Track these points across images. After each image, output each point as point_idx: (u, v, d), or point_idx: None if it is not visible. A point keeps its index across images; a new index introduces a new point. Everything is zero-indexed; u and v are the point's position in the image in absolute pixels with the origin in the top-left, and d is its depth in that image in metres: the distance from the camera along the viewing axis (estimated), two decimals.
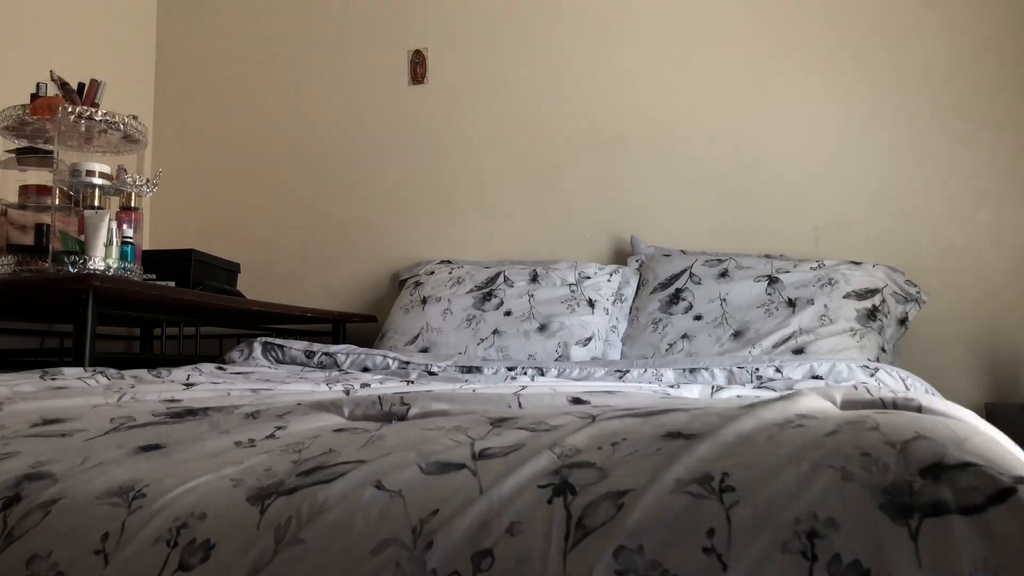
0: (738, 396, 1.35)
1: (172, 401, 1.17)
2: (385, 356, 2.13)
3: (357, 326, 3.09)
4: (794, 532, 0.56)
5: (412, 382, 1.51)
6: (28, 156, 2.36)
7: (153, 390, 1.30)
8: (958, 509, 0.56)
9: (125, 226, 2.29)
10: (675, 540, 0.58)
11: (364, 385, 1.35)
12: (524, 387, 1.13)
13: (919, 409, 0.76)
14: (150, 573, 0.65)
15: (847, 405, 0.81)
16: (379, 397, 0.98)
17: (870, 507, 0.57)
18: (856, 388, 0.84)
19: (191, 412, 1.00)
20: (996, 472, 0.59)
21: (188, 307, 2.47)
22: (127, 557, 0.66)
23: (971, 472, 0.59)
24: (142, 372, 1.64)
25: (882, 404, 0.79)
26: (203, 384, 1.42)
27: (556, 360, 2.39)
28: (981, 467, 0.60)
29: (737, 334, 2.34)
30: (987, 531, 0.55)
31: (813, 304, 2.32)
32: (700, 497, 0.61)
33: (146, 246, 3.26)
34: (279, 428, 0.88)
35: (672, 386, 1.55)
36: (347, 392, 1.14)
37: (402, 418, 0.93)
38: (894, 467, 0.61)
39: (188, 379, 1.59)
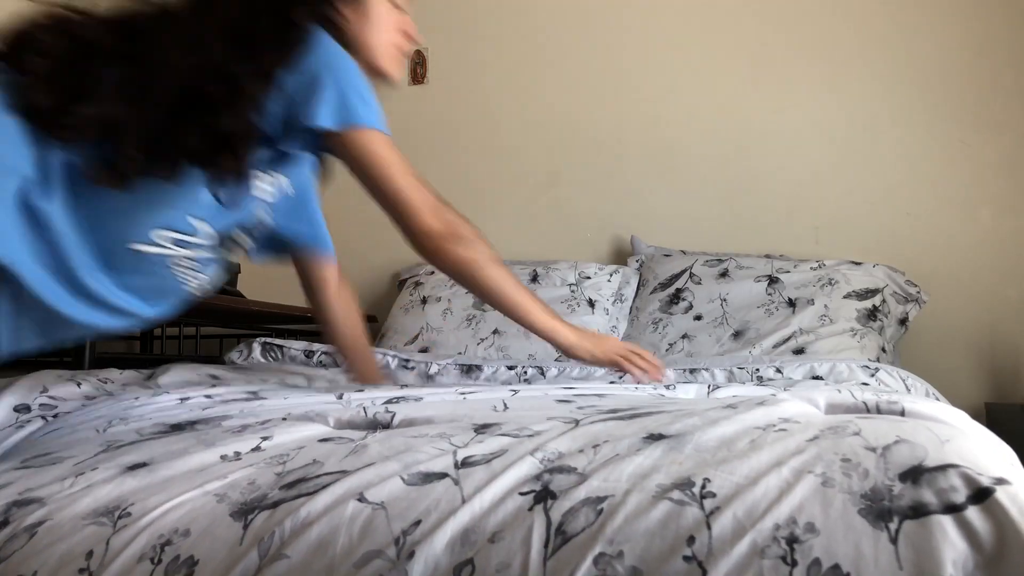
0: (734, 396, 1.35)
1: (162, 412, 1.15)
2: (384, 355, 2.13)
3: None
4: (774, 538, 0.57)
5: (407, 385, 1.50)
6: None
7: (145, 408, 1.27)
8: (938, 509, 0.57)
9: None
10: (656, 547, 0.59)
11: (359, 390, 1.34)
12: (515, 392, 1.13)
13: (902, 412, 0.76)
14: None
15: (831, 409, 0.81)
16: (363, 407, 0.98)
17: (850, 512, 0.58)
18: (840, 392, 0.84)
19: (178, 427, 1.00)
20: (975, 473, 0.59)
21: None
22: (111, 575, 0.66)
23: (951, 473, 0.60)
24: (131, 373, 1.60)
25: (865, 408, 0.79)
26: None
27: (556, 359, 2.39)
28: (961, 468, 0.60)
29: (737, 334, 2.33)
30: (967, 531, 0.55)
31: (813, 304, 2.31)
32: (681, 504, 0.62)
33: None
34: (264, 439, 0.88)
35: (669, 386, 1.55)
36: (340, 397, 1.13)
37: (387, 426, 0.93)
38: (874, 472, 0.61)
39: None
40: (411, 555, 0.62)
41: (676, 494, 0.63)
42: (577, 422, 0.83)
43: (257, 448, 0.86)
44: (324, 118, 1.08)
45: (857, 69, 2.69)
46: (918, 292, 2.40)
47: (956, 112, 2.58)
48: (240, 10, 1.07)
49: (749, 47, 2.82)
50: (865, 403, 0.80)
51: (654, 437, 0.75)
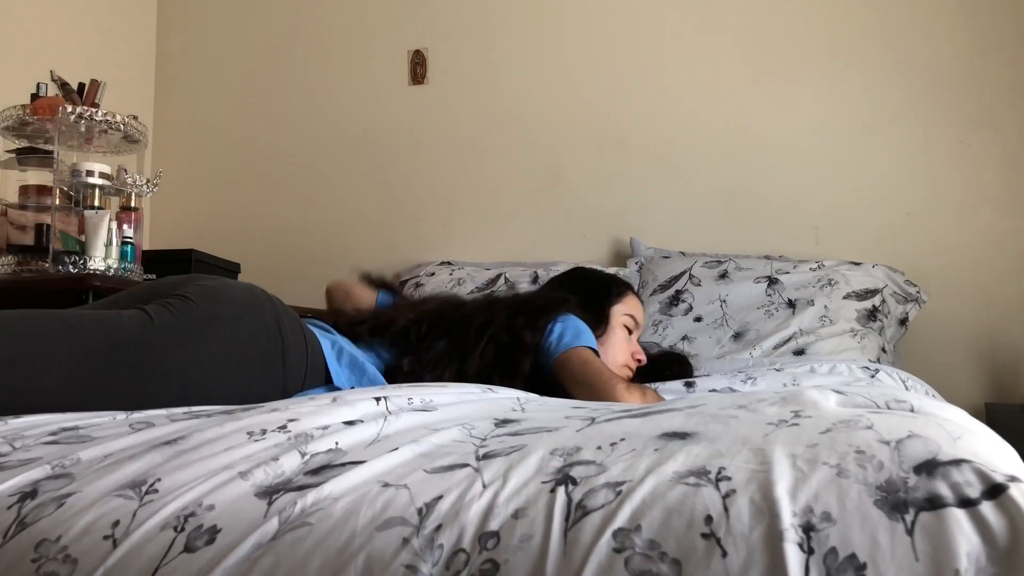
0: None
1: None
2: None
3: None
4: (791, 524, 0.57)
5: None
6: (28, 156, 2.36)
7: None
8: (953, 503, 0.57)
9: (125, 226, 2.29)
10: (674, 523, 0.60)
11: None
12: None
13: (912, 410, 0.77)
14: (157, 556, 0.66)
15: (841, 405, 0.82)
16: (385, 397, 0.99)
17: (865, 503, 0.58)
18: (845, 394, 0.85)
19: (207, 413, 1.01)
20: (989, 469, 0.59)
21: None
22: (134, 541, 0.68)
23: (965, 468, 0.60)
24: None
25: (875, 406, 0.79)
26: None
27: None
28: (974, 464, 0.60)
29: (737, 335, 2.33)
30: (981, 525, 0.55)
31: (813, 305, 2.31)
32: (698, 486, 0.63)
33: (146, 246, 3.26)
34: (291, 420, 0.90)
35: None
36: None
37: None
38: (888, 464, 0.62)
39: None
40: (435, 523, 0.64)
41: (692, 479, 0.64)
42: (593, 420, 0.85)
43: (283, 427, 0.88)
44: (561, 345, 1.55)
45: (856, 69, 2.70)
46: (918, 292, 2.41)
47: (955, 112, 2.59)
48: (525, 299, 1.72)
49: (749, 47, 2.83)
50: (875, 402, 0.80)
51: (669, 435, 0.76)
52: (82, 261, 2.11)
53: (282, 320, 1.44)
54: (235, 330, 1.36)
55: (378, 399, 0.99)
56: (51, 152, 2.29)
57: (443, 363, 1.55)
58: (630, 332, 1.77)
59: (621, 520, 0.61)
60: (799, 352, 2.21)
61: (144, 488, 0.74)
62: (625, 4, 2.97)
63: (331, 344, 1.56)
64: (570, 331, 1.57)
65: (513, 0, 3.11)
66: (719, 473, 0.64)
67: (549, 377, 1.56)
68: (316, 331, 1.56)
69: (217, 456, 0.79)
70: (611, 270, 2.68)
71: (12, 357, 1.15)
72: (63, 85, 2.37)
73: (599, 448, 0.74)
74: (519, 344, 1.56)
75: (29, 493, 0.75)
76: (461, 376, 1.51)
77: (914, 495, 0.58)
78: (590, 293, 1.80)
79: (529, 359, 1.54)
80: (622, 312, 1.77)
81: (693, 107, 2.87)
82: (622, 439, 0.76)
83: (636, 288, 2.62)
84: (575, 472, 0.68)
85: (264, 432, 0.86)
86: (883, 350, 2.25)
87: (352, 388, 1.47)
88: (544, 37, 3.06)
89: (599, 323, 1.70)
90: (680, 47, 2.91)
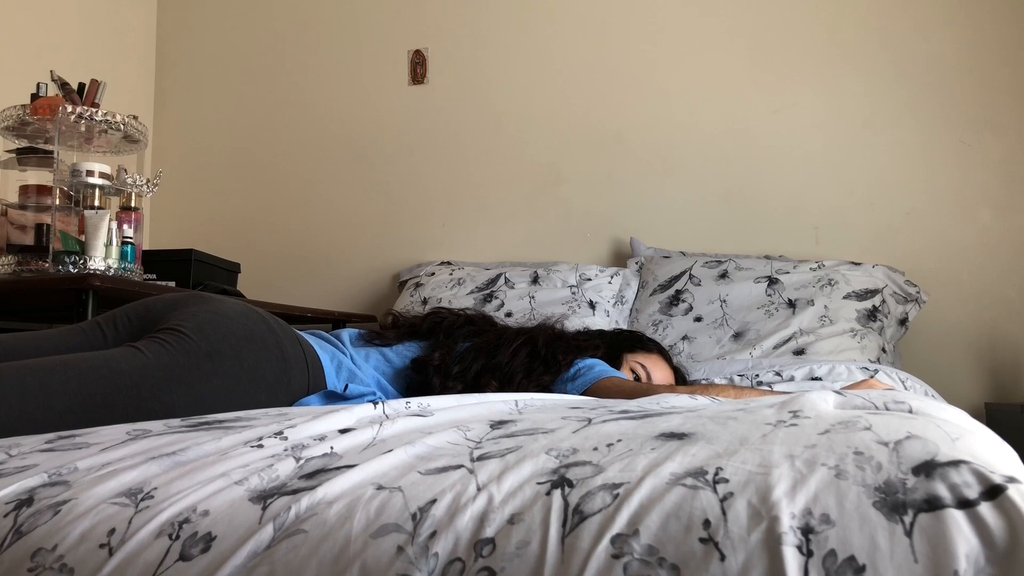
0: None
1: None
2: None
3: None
4: (789, 527, 0.57)
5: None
6: (28, 156, 2.36)
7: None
8: (951, 504, 0.57)
9: (125, 226, 2.29)
10: (672, 528, 0.59)
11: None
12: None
13: (910, 411, 0.77)
14: (153, 564, 0.66)
15: (840, 407, 0.81)
16: (383, 401, 0.99)
17: (864, 504, 0.58)
18: (844, 396, 0.85)
19: (205, 423, 1.01)
20: (987, 470, 0.59)
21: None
22: (130, 550, 0.67)
23: (963, 469, 0.60)
24: None
25: (874, 407, 0.79)
26: None
27: None
28: (972, 464, 0.60)
29: (737, 335, 2.33)
30: (980, 526, 0.55)
31: (813, 305, 2.32)
32: (695, 488, 0.62)
33: (146, 246, 3.26)
34: (288, 428, 0.90)
35: None
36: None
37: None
38: (887, 465, 0.62)
39: None
40: (430, 530, 0.64)
41: (689, 480, 0.63)
42: (590, 421, 0.84)
43: (279, 434, 0.87)
44: (591, 376, 1.57)
45: (856, 69, 2.70)
46: (918, 292, 2.41)
47: (955, 112, 2.59)
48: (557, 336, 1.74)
49: (749, 48, 2.83)
50: (873, 403, 0.80)
51: (666, 436, 0.75)
52: (82, 261, 2.10)
53: (282, 343, 1.42)
54: (238, 362, 1.34)
55: (375, 403, 0.99)
56: (51, 152, 2.29)
57: (472, 356, 1.62)
58: (637, 379, 1.76)
59: (619, 525, 0.60)
60: (799, 352, 2.21)
61: (140, 496, 0.73)
62: (625, 4, 2.97)
63: (330, 358, 1.55)
64: (598, 365, 1.61)
65: (513, 1, 3.11)
66: (716, 475, 0.64)
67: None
68: (315, 343, 1.54)
69: (214, 465, 0.79)
70: (611, 270, 2.69)
71: (12, 418, 1.15)
72: (63, 85, 2.36)
73: (595, 449, 0.74)
74: (552, 357, 1.62)
75: (25, 500, 0.75)
76: (490, 370, 1.58)
77: (913, 496, 0.58)
78: (619, 338, 1.86)
79: (551, 377, 1.59)
80: (634, 359, 1.79)
81: (693, 107, 2.87)
82: (619, 440, 0.76)
83: (638, 290, 2.63)
84: (571, 474, 0.68)
85: (260, 439, 0.86)
86: (883, 350, 2.25)
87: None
88: (544, 37, 3.06)
89: (610, 362, 1.73)
90: (680, 46, 2.91)
